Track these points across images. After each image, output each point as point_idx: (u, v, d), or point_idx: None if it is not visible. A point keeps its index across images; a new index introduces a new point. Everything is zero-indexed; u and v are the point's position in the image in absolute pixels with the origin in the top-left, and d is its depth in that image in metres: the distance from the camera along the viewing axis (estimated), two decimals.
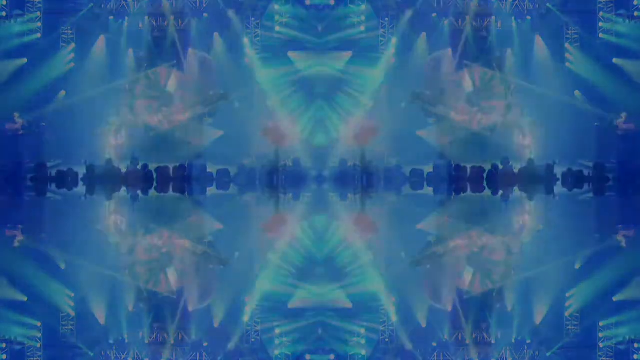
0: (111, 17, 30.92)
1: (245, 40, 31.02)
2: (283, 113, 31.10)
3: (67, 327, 9.97)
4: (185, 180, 29.95)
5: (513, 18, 30.96)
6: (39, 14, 30.53)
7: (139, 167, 30.17)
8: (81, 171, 29.96)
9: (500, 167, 30.22)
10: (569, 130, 30.39)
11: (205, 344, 9.41)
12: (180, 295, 11.67)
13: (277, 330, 9.98)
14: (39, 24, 30.59)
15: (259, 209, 25.15)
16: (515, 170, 30.25)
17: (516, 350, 9.13)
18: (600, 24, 30.58)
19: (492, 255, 15.25)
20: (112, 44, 30.96)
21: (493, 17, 30.97)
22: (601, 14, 30.49)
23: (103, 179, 29.77)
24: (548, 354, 9.06)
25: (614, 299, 11.23)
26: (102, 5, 30.78)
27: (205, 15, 31.03)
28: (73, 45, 30.91)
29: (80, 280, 12.85)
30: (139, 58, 31.03)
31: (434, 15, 31.05)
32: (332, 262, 14.28)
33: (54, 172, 30.03)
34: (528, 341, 9.45)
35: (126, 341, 9.43)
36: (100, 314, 10.49)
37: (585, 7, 30.59)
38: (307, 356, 9.26)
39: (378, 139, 31.09)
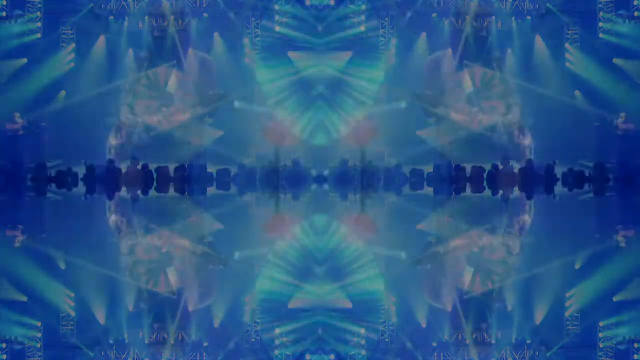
0: (111, 17, 30.91)
1: (245, 40, 31.02)
2: (283, 113, 31.10)
3: (67, 327, 9.97)
4: (185, 180, 29.96)
5: (513, 18, 30.95)
6: (39, 14, 30.53)
7: (139, 167, 30.18)
8: (81, 171, 29.97)
9: (500, 167, 30.23)
10: (569, 130, 30.40)
11: (205, 344, 9.41)
12: (180, 295, 11.67)
13: (277, 330, 9.98)
14: (39, 24, 30.58)
15: (259, 209, 25.14)
16: (515, 170, 30.26)
17: (516, 350, 9.13)
18: (600, 24, 30.58)
19: (492, 255, 15.24)
20: (112, 44, 30.96)
21: (493, 17, 30.96)
22: (601, 14, 30.49)
23: (103, 179, 29.77)
24: (548, 354, 9.06)
25: (614, 299, 11.23)
26: (102, 5, 30.78)
27: (205, 15, 31.03)
28: (73, 45, 30.91)
29: (80, 280, 12.85)
30: (139, 58, 31.03)
31: (434, 15, 31.05)
32: (332, 262, 14.28)
33: (53, 172, 30.03)
34: (528, 341, 9.45)
35: (126, 341, 9.43)
36: (100, 314, 10.49)
37: (585, 7, 30.58)
38: (307, 356, 9.25)
39: (378, 139, 31.10)
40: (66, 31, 30.86)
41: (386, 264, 14.57)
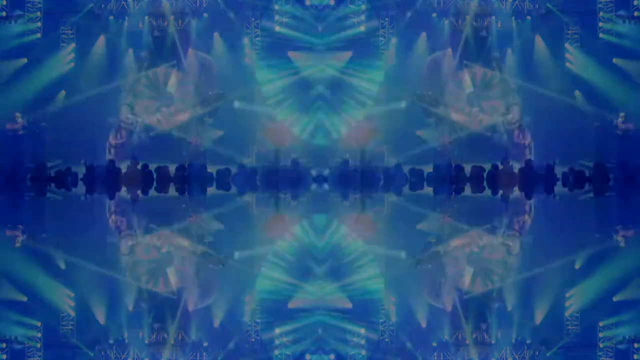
0: (111, 17, 30.91)
1: (245, 40, 31.02)
2: (283, 113, 31.11)
3: (67, 327, 9.97)
4: (185, 180, 29.96)
5: (513, 18, 30.96)
6: (39, 14, 30.53)
7: (139, 167, 30.18)
8: (81, 171, 29.97)
9: (500, 167, 30.22)
10: (569, 130, 30.40)
11: (205, 344, 9.41)
12: (180, 295, 11.67)
13: (277, 330, 9.98)
14: (39, 24, 30.58)
15: (259, 209, 25.14)
16: (515, 170, 30.26)
17: (516, 350, 9.13)
18: (600, 24, 30.58)
19: (492, 255, 15.24)
20: (112, 44, 30.96)
21: (493, 17, 30.96)
22: (601, 14, 30.49)
23: (103, 179, 29.77)
24: (548, 354, 9.06)
25: (614, 299, 11.23)
26: (102, 5, 30.78)
27: (205, 15, 31.03)
28: (73, 45, 30.91)
29: (80, 280, 12.84)
30: (139, 58, 31.03)
31: (434, 15, 31.06)
32: (332, 261, 14.28)
33: (53, 172, 30.03)
34: (528, 341, 9.45)
35: (126, 341, 9.43)
36: (100, 314, 10.49)
37: (585, 7, 30.58)
38: (307, 356, 9.25)
39: (378, 139, 31.10)
40: (66, 31, 30.86)
41: (386, 264, 14.57)
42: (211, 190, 29.38)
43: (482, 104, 31.17)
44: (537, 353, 9.08)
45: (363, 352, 9.38)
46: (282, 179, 30.35)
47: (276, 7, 30.89)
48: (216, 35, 31.04)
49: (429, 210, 24.38)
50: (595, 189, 28.97)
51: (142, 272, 13.43)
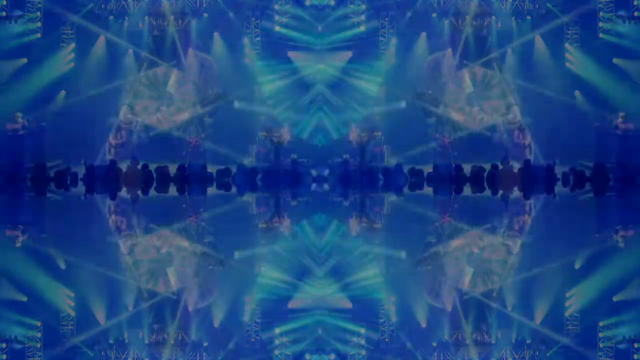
0: (111, 17, 30.93)
1: (245, 40, 31.03)
2: (283, 113, 31.11)
3: (67, 327, 9.97)
4: (185, 180, 29.96)
5: (513, 18, 30.97)
6: (39, 14, 30.55)
7: (139, 167, 30.18)
8: (81, 171, 29.97)
9: (500, 167, 30.22)
10: (569, 130, 30.41)
11: (205, 344, 9.41)
12: (180, 295, 11.67)
13: (277, 330, 9.98)
14: (39, 24, 30.60)
15: (259, 209, 25.14)
16: (515, 170, 30.26)
17: (516, 350, 9.13)
18: (600, 24, 30.58)
19: (492, 255, 15.24)
20: (112, 44, 30.97)
21: (493, 17, 30.98)
22: (601, 14, 30.49)
23: (103, 179, 29.77)
24: (548, 354, 9.06)
25: (614, 299, 11.23)
26: (102, 5, 30.79)
27: (205, 15, 31.04)
28: (73, 45, 30.93)
29: (80, 280, 12.85)
30: (139, 58, 31.04)
31: (434, 15, 31.07)
32: (332, 262, 14.28)
33: (53, 173, 30.03)
34: (528, 341, 9.45)
35: (126, 341, 9.43)
36: (100, 314, 10.49)
37: (585, 7, 30.59)
38: (307, 356, 9.25)
39: (378, 139, 31.11)
40: (66, 31, 30.87)
41: (386, 264, 14.57)
42: (211, 190, 29.39)
43: (482, 104, 31.18)
44: (537, 353, 9.08)
45: (363, 352, 9.38)
46: (282, 179, 30.35)
47: (276, 7, 30.92)
48: (216, 35, 31.06)
49: (429, 210, 24.38)
50: (595, 189, 28.98)
51: (142, 272, 13.43)
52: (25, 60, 30.55)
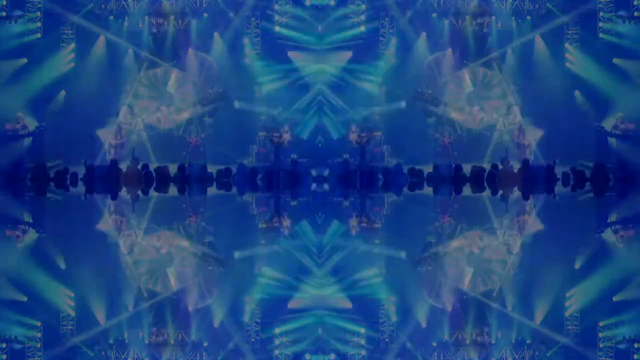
0: (111, 17, 30.93)
1: (245, 40, 31.03)
2: (283, 113, 31.11)
3: (67, 327, 9.97)
4: (185, 180, 29.97)
5: (513, 18, 30.97)
6: (39, 14, 30.55)
7: (139, 167, 30.18)
8: (81, 171, 29.97)
9: (500, 167, 30.22)
10: (569, 130, 30.41)
11: (205, 344, 9.41)
12: (180, 295, 11.67)
13: (277, 330, 9.98)
14: (39, 24, 30.60)
15: (259, 209, 25.14)
16: (515, 170, 30.26)
17: (516, 350, 9.13)
18: (600, 24, 30.58)
19: (492, 255, 15.25)
20: (112, 44, 30.97)
21: (493, 17, 30.98)
22: (601, 14, 30.49)
23: (103, 179, 29.77)
24: (548, 354, 9.06)
25: (614, 299, 11.23)
26: (102, 5, 30.80)
27: (205, 15, 31.04)
28: (73, 45, 30.93)
29: (80, 280, 12.85)
30: (139, 58, 31.04)
31: (434, 15, 31.07)
32: (332, 262, 14.28)
33: (53, 173, 30.03)
34: (528, 341, 9.45)
35: (126, 341, 9.43)
36: (100, 314, 10.49)
37: (585, 7, 30.59)
38: (307, 356, 9.25)
39: (378, 139, 31.11)
40: (66, 31, 30.87)
41: (386, 264, 14.57)
42: (211, 190, 29.39)
43: (482, 104, 31.18)
44: (537, 353, 9.08)
45: (363, 352, 9.38)
46: (282, 179, 30.35)
47: (276, 7, 30.92)
48: (216, 35, 31.05)
49: (429, 210, 24.38)
50: (595, 189, 28.98)
51: (142, 272, 13.43)
52: (25, 60, 30.55)
